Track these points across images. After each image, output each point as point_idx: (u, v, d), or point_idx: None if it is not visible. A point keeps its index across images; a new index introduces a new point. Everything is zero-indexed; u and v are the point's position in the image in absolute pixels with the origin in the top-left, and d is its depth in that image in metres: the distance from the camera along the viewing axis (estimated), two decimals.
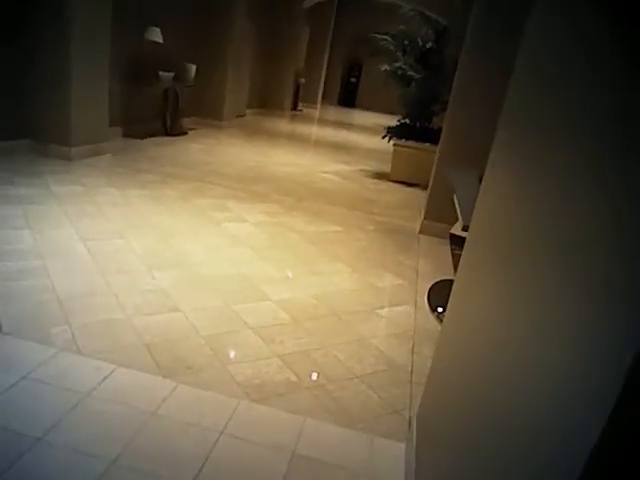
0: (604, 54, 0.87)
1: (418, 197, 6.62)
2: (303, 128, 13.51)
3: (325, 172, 7.60)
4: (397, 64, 7.51)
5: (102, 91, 5.98)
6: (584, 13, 1.03)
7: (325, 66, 19.55)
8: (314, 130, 13.75)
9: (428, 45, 7.31)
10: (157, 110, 8.21)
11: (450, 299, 1.85)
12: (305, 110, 17.30)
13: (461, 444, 1.30)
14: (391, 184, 7.40)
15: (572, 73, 1.03)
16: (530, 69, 1.40)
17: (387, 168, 7.84)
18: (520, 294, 1.08)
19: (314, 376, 2.45)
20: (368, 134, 13.40)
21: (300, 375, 2.43)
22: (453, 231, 2.91)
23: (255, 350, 2.58)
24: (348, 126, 15.73)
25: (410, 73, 7.34)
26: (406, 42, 7.52)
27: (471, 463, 1.18)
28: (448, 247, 4.64)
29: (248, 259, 3.77)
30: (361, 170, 8.21)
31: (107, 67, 5.94)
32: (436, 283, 3.70)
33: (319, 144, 11.12)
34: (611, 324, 0.65)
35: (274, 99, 14.84)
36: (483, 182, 1.69)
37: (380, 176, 7.80)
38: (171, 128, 8.40)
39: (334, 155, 9.42)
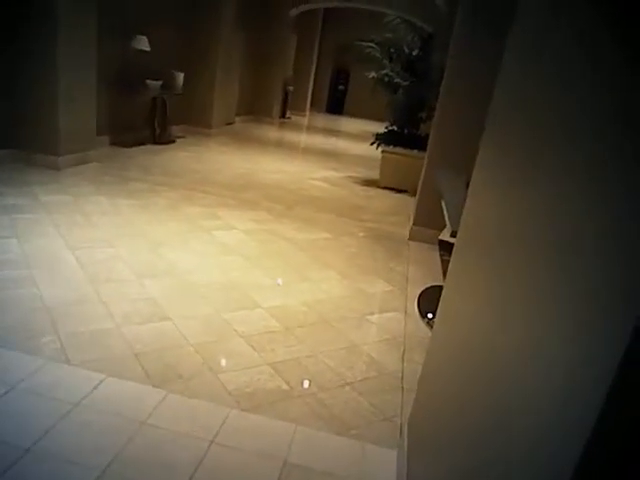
0: (591, 53, 0.89)
1: (407, 203, 6.66)
2: (292, 135, 13.54)
3: (314, 179, 7.62)
4: (384, 71, 7.56)
5: (89, 100, 5.96)
6: (567, 13, 1.05)
7: (313, 74, 19.60)
8: (303, 137, 13.79)
9: (414, 52, 7.37)
10: (145, 118, 8.19)
11: (439, 305, 1.86)
12: (294, 118, 17.34)
13: (453, 450, 1.31)
14: (380, 190, 7.44)
15: (557, 73, 1.04)
16: (515, 71, 1.42)
17: (376, 175, 7.88)
18: (509, 298, 1.10)
19: (305, 384, 2.45)
20: (356, 141, 13.46)
21: (291, 383, 2.42)
22: (442, 237, 2.93)
23: (246, 358, 2.57)
24: (337, 133, 15.79)
25: (397, 80, 7.40)
26: (392, 50, 7.59)
27: (463, 470, 1.18)
28: (437, 253, 4.67)
29: (238, 267, 3.76)
30: (350, 177, 8.24)
31: (94, 76, 5.93)
32: (426, 289, 3.72)
33: (308, 151, 11.14)
34: (604, 324, 0.66)
35: (263, 107, 14.86)
36: (470, 187, 1.70)
37: (369, 183, 7.83)
38: (159, 136, 8.38)
39: (323, 162, 9.45)
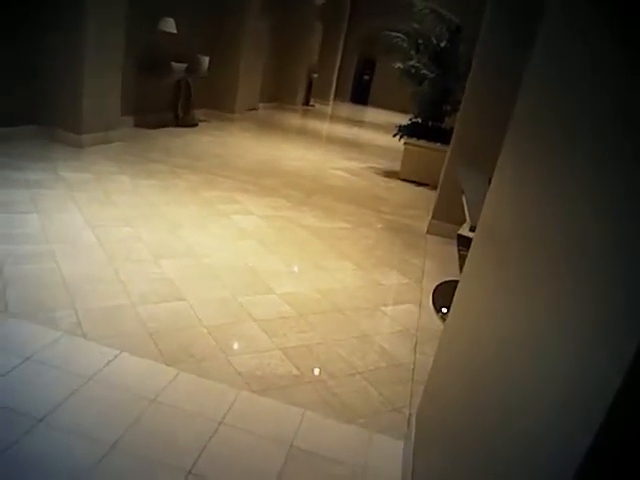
0: (610, 59, 0.86)
1: (427, 197, 6.60)
2: (315, 124, 13.50)
3: (335, 168, 7.59)
4: (410, 62, 7.47)
5: (115, 80, 6.00)
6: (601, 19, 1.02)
7: (338, 62, 19.49)
8: (325, 126, 13.74)
9: (442, 44, 7.27)
10: (169, 101, 8.24)
11: (454, 299, 1.84)
12: (317, 106, 17.28)
13: (459, 444, 1.30)
14: (401, 183, 7.39)
15: (580, 78, 1.02)
16: (541, 73, 1.39)
17: (397, 166, 7.82)
18: (523, 295, 1.08)
19: (316, 370, 2.46)
20: (380, 132, 13.37)
21: (302, 369, 2.43)
22: (461, 232, 2.91)
23: (258, 342, 2.59)
24: (360, 123, 15.70)
25: (423, 72, 7.31)
26: (420, 41, 7.49)
27: (469, 463, 1.18)
28: (455, 248, 4.63)
29: (255, 252, 3.78)
30: (371, 168, 8.20)
31: (120, 56, 5.96)
32: (441, 283, 3.69)
33: (330, 140, 11.10)
34: (611, 323, 0.65)
35: (286, 94, 14.84)
36: (491, 184, 1.68)
37: (390, 174, 7.78)
38: (182, 119, 8.42)
39: (345, 152, 9.41)
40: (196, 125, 8.68)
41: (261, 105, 12.88)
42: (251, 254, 3.72)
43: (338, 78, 20.10)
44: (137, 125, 7.43)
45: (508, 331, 1.12)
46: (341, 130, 13.28)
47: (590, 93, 0.89)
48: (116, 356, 2.23)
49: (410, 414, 2.20)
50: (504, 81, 4.15)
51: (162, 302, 2.78)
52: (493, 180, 1.67)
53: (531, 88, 1.46)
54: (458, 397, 1.45)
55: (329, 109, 18.15)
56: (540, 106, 1.33)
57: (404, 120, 8.11)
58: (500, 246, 1.39)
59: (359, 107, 21.52)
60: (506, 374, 1.06)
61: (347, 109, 19.80)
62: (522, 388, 0.93)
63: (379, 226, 5.06)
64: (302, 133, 11.50)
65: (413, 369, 2.61)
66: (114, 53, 5.83)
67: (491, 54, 4.52)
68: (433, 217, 5.07)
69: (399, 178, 7.54)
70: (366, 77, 23.16)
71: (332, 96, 19.77)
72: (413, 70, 7.45)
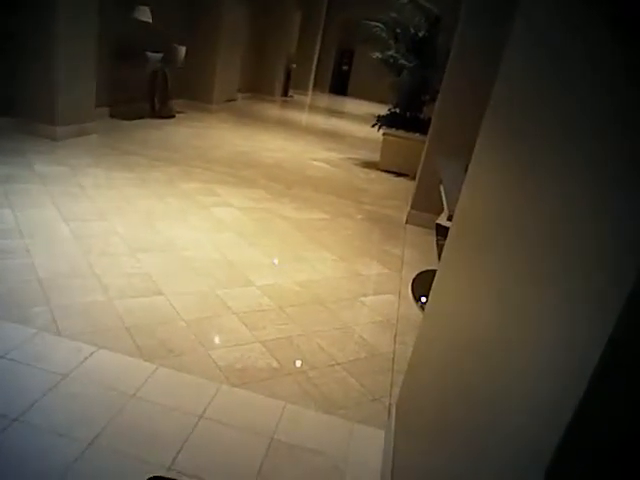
0: (595, 48, 0.86)
1: (406, 187, 6.62)
2: (293, 115, 13.42)
3: (314, 159, 7.57)
4: (389, 52, 7.46)
5: (89, 70, 5.87)
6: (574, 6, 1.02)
7: (317, 53, 19.38)
8: (304, 117, 13.68)
9: (420, 34, 7.26)
10: (145, 92, 8.10)
11: (432, 288, 1.85)
12: (296, 97, 17.19)
13: (436, 431, 1.31)
14: (380, 173, 7.40)
15: (560, 64, 1.02)
16: (517, 61, 1.39)
17: (377, 157, 7.83)
18: (498, 282, 1.09)
19: (296, 362, 2.45)
20: (359, 122, 13.35)
21: (282, 361, 2.43)
22: (439, 221, 2.92)
23: (238, 335, 2.58)
24: (339, 114, 15.66)
25: (401, 62, 7.30)
26: (398, 30, 7.47)
27: (446, 450, 1.18)
28: (434, 237, 4.65)
29: (234, 244, 3.75)
30: (350, 158, 8.19)
31: (94, 46, 5.83)
32: (420, 273, 3.71)
33: (309, 131, 11.06)
34: (582, 318, 0.65)
35: (265, 85, 14.72)
36: (467, 172, 1.68)
37: (369, 165, 7.78)
38: (159, 110, 8.30)
39: (324, 142, 9.38)
40: (173, 116, 8.57)
41: (239, 96, 12.75)
42: (230, 246, 3.69)
43: (317, 69, 20.01)
44: (113, 116, 7.30)
45: (482, 319, 1.12)
46: (320, 121, 13.24)
47: (560, 80, 0.89)
48: (93, 352, 2.19)
49: (390, 404, 2.22)
50: (482, 71, 4.16)
51: (139, 296, 2.75)
52: (469, 168, 1.67)
53: (506, 75, 1.46)
54: (435, 385, 1.46)
55: (308, 100, 18.07)
56: (514, 94, 1.33)
57: (383, 111, 8.10)
58: (475, 234, 1.40)
59: (338, 98, 21.46)
60: (480, 362, 1.06)
61: (326, 100, 19.74)
62: (500, 375, 0.93)
63: (359, 217, 5.06)
64: (281, 124, 11.43)
65: (393, 359, 2.62)
66: (88, 42, 5.69)
67: (469, 44, 4.53)
68: (412, 207, 5.08)
69: (378, 169, 7.55)
70: (345, 67, 23.10)
71: (311, 87, 19.68)
72: (391, 60, 7.44)
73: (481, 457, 0.92)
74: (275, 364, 2.39)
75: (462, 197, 1.67)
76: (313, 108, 16.13)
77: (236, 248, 3.68)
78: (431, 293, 1.85)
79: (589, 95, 0.81)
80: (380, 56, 7.59)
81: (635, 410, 0.57)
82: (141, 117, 7.77)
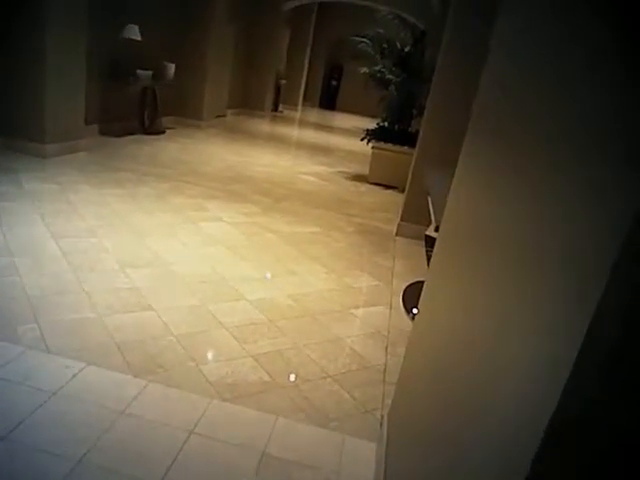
0: (574, 54, 0.89)
1: (396, 199, 6.66)
2: (283, 129, 13.50)
3: (304, 173, 7.60)
4: (376, 67, 7.55)
5: (78, 88, 5.89)
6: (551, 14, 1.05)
7: (306, 68, 19.54)
8: (294, 132, 13.75)
9: (406, 49, 7.36)
10: (135, 108, 8.12)
11: (421, 299, 1.86)
12: (286, 112, 17.29)
13: (428, 442, 1.31)
14: (370, 186, 7.44)
15: (538, 76, 1.04)
16: (496, 73, 1.42)
17: (366, 171, 7.87)
18: (484, 292, 1.10)
19: (287, 376, 2.44)
20: (348, 136, 13.43)
21: (273, 375, 2.42)
22: (427, 232, 2.94)
23: (228, 349, 2.57)
24: (328, 128, 15.76)
25: (388, 76, 7.39)
26: (384, 45, 7.57)
27: (437, 460, 1.18)
28: (423, 248, 4.67)
29: (225, 259, 3.75)
30: (340, 172, 8.23)
31: (84, 63, 5.85)
32: (411, 284, 3.72)
33: (299, 146, 11.12)
34: (560, 321, 0.66)
35: (255, 100, 14.80)
36: (453, 183, 1.71)
37: (359, 178, 7.82)
38: (149, 127, 8.32)
39: (314, 157, 9.43)
40: (163, 132, 8.59)
41: (229, 112, 12.81)
42: (221, 261, 3.69)
43: (306, 83, 20.16)
44: (103, 133, 7.31)
45: (468, 328, 1.13)
46: (310, 135, 13.31)
47: (542, 87, 0.91)
48: (82, 369, 2.18)
49: (382, 415, 2.21)
50: (467, 83, 4.22)
51: (129, 312, 2.74)
52: (454, 180, 1.69)
53: (486, 87, 1.49)
54: (426, 395, 1.46)
55: (298, 115, 18.17)
56: (494, 104, 1.36)
57: (372, 125, 8.17)
58: (459, 244, 1.41)
59: (327, 112, 21.61)
60: (469, 371, 1.07)
61: (316, 114, 19.87)
62: (489, 384, 0.94)
63: (349, 229, 5.08)
64: (271, 139, 11.48)
65: (384, 370, 2.62)
66: (76, 59, 5.71)
67: (454, 58, 4.59)
68: (402, 219, 5.11)
69: (368, 182, 7.59)
70: (334, 82, 23.29)
71: (300, 102, 19.81)
72: (379, 75, 7.53)
73: (471, 466, 0.92)
74: (266, 378, 2.39)
75: (447, 207, 1.69)
76: (303, 123, 16.23)
77: (226, 262, 3.68)
78: (420, 304, 1.86)
79: (567, 102, 0.83)
80: (367, 71, 7.68)
81: (611, 408, 0.58)
82: (131, 134, 7.78)
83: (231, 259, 3.77)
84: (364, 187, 7.37)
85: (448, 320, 1.38)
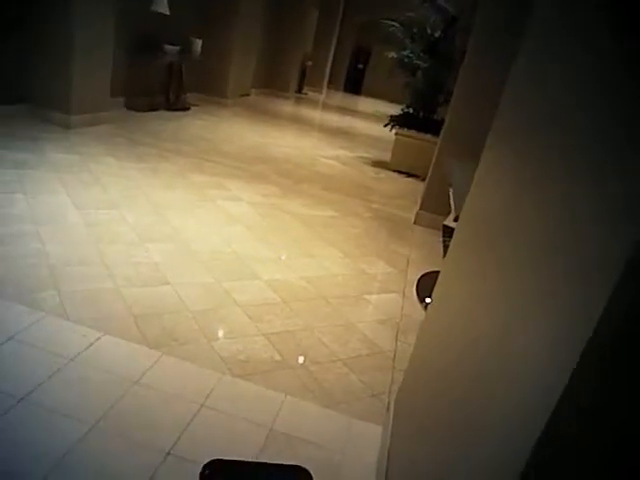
0: (603, 53, 0.88)
1: (416, 187, 6.62)
2: (307, 112, 13.45)
3: (325, 157, 7.59)
4: (405, 52, 7.46)
5: (105, 60, 5.93)
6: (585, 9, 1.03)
7: (333, 51, 19.38)
8: (317, 114, 13.69)
9: (437, 34, 7.25)
10: (160, 84, 8.15)
11: (435, 289, 1.87)
12: (310, 94, 17.19)
13: (432, 431, 1.33)
14: (390, 173, 7.40)
15: (572, 72, 1.03)
16: (528, 65, 1.40)
17: (388, 157, 7.83)
18: (494, 288, 1.10)
19: (298, 356, 2.48)
20: (371, 121, 13.33)
21: (284, 354, 2.46)
22: (446, 222, 2.93)
23: (242, 327, 2.61)
24: (352, 112, 15.65)
25: (417, 62, 7.30)
26: (414, 30, 7.47)
27: (440, 450, 1.20)
28: (441, 239, 4.66)
29: (242, 238, 3.78)
30: (361, 157, 8.20)
31: (111, 36, 5.88)
32: (426, 274, 3.72)
33: (321, 128, 11.07)
34: (572, 314, 0.67)
35: (279, 81, 14.73)
36: (476, 175, 1.70)
37: (380, 164, 7.79)
38: (174, 103, 8.35)
39: (336, 140, 9.40)
40: (188, 109, 8.62)
41: (253, 91, 12.79)
42: (238, 240, 3.72)
43: (332, 66, 20.00)
44: (128, 107, 7.35)
45: (476, 323, 1.14)
46: (333, 119, 13.24)
47: (594, 93, 0.90)
48: (99, 338, 2.23)
49: (389, 401, 2.24)
50: (496, 74, 4.15)
51: (146, 286, 2.79)
52: (477, 171, 1.68)
53: (516, 78, 1.47)
54: (432, 385, 1.48)
55: (322, 97, 18.07)
56: (524, 97, 1.35)
57: (397, 110, 8.10)
58: (476, 237, 1.42)
59: (352, 96, 21.44)
60: (482, 361, 1.08)
61: (340, 98, 19.73)
62: (497, 375, 0.95)
63: (367, 215, 5.08)
64: (294, 121, 11.45)
65: (394, 357, 2.64)
66: (104, 32, 5.74)
67: (484, 45, 4.51)
68: (421, 208, 5.09)
69: (389, 168, 7.55)
70: (360, 66, 23.06)
71: (325, 84, 19.67)
72: (406, 60, 7.44)
73: (472, 453, 0.94)
74: (277, 357, 2.42)
75: (468, 199, 1.69)
76: (326, 106, 16.14)
77: (244, 242, 3.71)
78: (433, 293, 1.86)
79: (595, 99, 0.83)
80: (395, 56, 7.59)
81: (607, 408, 0.59)
82: (156, 109, 7.82)
83: (248, 239, 3.80)
84: (384, 173, 7.34)
85: (459, 313, 1.39)
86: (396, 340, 2.81)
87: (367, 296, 3.28)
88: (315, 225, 4.41)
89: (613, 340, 0.57)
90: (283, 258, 3.63)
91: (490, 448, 0.83)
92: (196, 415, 1.93)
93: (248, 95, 12.25)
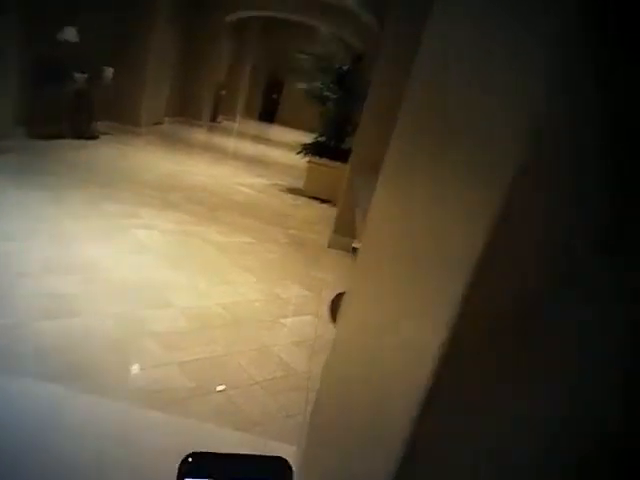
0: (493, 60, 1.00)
1: (331, 213, 6.80)
2: (221, 140, 13.46)
3: (240, 184, 7.63)
4: (315, 83, 7.74)
5: (4, 89, 5.68)
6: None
7: (247, 80, 19.61)
8: (232, 143, 13.74)
9: (345, 68, 7.60)
10: (68, 112, 7.88)
11: (341, 307, 1.96)
12: (225, 123, 17.22)
13: (344, 442, 1.40)
14: (306, 199, 7.57)
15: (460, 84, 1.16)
16: (419, 85, 1.54)
17: (302, 184, 8.00)
18: (388, 303, 1.21)
19: (215, 382, 2.48)
20: (286, 150, 13.55)
21: (201, 381, 2.45)
22: (354, 245, 3.08)
23: (156, 357, 2.58)
24: (266, 141, 15.84)
25: (326, 93, 7.59)
26: (324, 63, 7.78)
27: (354, 463, 1.27)
28: (353, 260, 4.83)
29: (156, 266, 3.73)
30: (277, 184, 8.32)
31: (14, 62, 5.66)
32: (339, 294, 3.85)
33: (236, 156, 11.13)
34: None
35: (193, 109, 14.65)
36: (374, 196, 1.82)
37: (295, 191, 7.94)
38: (82, 131, 8.09)
39: (251, 168, 9.48)
40: (97, 137, 8.37)
41: (167, 119, 12.63)
42: (152, 268, 3.67)
43: (247, 96, 20.20)
44: (32, 136, 7.04)
45: (380, 337, 1.24)
46: (247, 147, 13.35)
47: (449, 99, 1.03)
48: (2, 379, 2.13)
49: (304, 420, 2.29)
50: (399, 98, 4.43)
51: (55, 318, 2.69)
52: (375, 191, 1.81)
53: (411, 92, 1.61)
54: (340, 399, 1.56)
55: (236, 126, 18.15)
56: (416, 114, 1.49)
57: (310, 139, 8.34)
58: (374, 255, 1.53)
59: (266, 125, 21.70)
60: (374, 377, 1.16)
61: (254, 127, 19.90)
62: (387, 389, 1.03)
63: (284, 241, 5.17)
64: (208, 149, 11.42)
65: (309, 377, 2.71)
66: (5, 59, 5.52)
67: (387, 75, 4.79)
68: (334, 232, 5.26)
69: (304, 195, 7.72)
70: (274, 96, 23.43)
71: (240, 113, 19.81)
72: (317, 91, 7.72)
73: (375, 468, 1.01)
74: (193, 384, 2.42)
75: (367, 218, 1.81)
76: (241, 134, 16.24)
77: (157, 270, 3.67)
78: (340, 311, 1.96)
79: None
80: (306, 87, 7.85)
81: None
82: (62, 137, 7.54)
83: (162, 267, 3.76)
84: (300, 200, 7.49)
85: (363, 329, 1.48)
86: (310, 361, 2.88)
87: (283, 320, 3.35)
88: (232, 252, 4.43)
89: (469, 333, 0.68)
90: (198, 285, 3.61)
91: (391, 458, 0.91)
92: (110, 451, 1.88)
93: (162, 123, 12.09)
